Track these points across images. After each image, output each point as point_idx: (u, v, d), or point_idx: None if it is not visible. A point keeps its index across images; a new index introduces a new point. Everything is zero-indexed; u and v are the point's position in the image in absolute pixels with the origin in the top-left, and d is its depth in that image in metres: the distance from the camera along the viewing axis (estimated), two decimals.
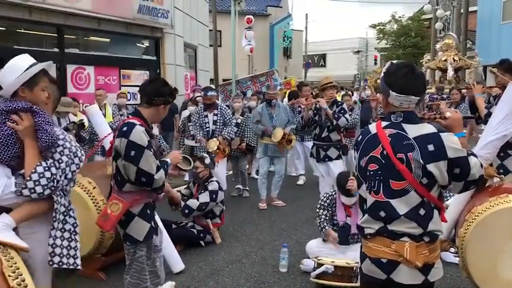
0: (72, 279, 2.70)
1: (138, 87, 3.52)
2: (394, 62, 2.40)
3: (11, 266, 2.24)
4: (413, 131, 2.21)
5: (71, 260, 2.52)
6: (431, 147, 2.15)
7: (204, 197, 5.24)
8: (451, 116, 2.36)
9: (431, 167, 2.15)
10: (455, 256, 4.17)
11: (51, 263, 2.45)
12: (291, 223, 6.15)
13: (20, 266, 2.27)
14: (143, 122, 3.10)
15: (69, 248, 2.52)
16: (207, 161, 5.54)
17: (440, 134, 2.19)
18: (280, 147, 6.89)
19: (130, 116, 3.20)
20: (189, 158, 3.65)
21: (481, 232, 3.27)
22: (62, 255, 2.48)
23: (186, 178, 8.54)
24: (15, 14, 7.52)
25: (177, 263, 4.50)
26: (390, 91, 2.25)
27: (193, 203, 5.16)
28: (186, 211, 5.12)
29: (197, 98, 9.03)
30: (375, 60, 36.58)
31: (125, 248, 3.21)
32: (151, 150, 3.05)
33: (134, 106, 6.45)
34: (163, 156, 3.50)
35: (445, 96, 10.80)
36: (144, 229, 3.15)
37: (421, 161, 2.15)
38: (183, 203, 5.10)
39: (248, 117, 7.85)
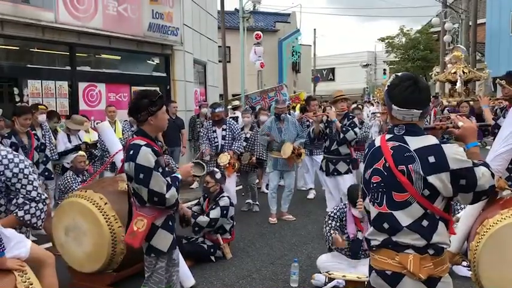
0: None
1: None
2: (399, 74, 2.35)
3: (25, 282, 2.28)
4: (415, 143, 2.20)
5: None
6: (432, 159, 2.13)
7: (215, 213, 5.24)
8: (463, 125, 2.32)
9: (432, 178, 2.13)
10: (468, 270, 4.13)
11: None
12: (302, 237, 6.13)
13: (34, 281, 2.31)
14: (148, 139, 3.13)
15: None
16: (218, 175, 5.52)
17: (442, 145, 2.17)
18: (289, 161, 6.87)
19: (134, 136, 3.21)
20: (201, 163, 3.60)
21: (493, 245, 3.23)
22: None
23: (195, 185, 8.61)
24: (29, 33, 7.68)
25: (188, 279, 4.50)
26: (392, 105, 2.25)
27: (203, 220, 5.18)
28: (196, 228, 5.16)
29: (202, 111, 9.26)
30: (384, 71, 36.62)
31: (146, 260, 3.26)
32: (160, 169, 3.08)
33: None
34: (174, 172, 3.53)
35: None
36: (168, 240, 3.22)
37: (421, 172, 2.14)
38: (193, 220, 5.13)
39: (257, 132, 7.89)
